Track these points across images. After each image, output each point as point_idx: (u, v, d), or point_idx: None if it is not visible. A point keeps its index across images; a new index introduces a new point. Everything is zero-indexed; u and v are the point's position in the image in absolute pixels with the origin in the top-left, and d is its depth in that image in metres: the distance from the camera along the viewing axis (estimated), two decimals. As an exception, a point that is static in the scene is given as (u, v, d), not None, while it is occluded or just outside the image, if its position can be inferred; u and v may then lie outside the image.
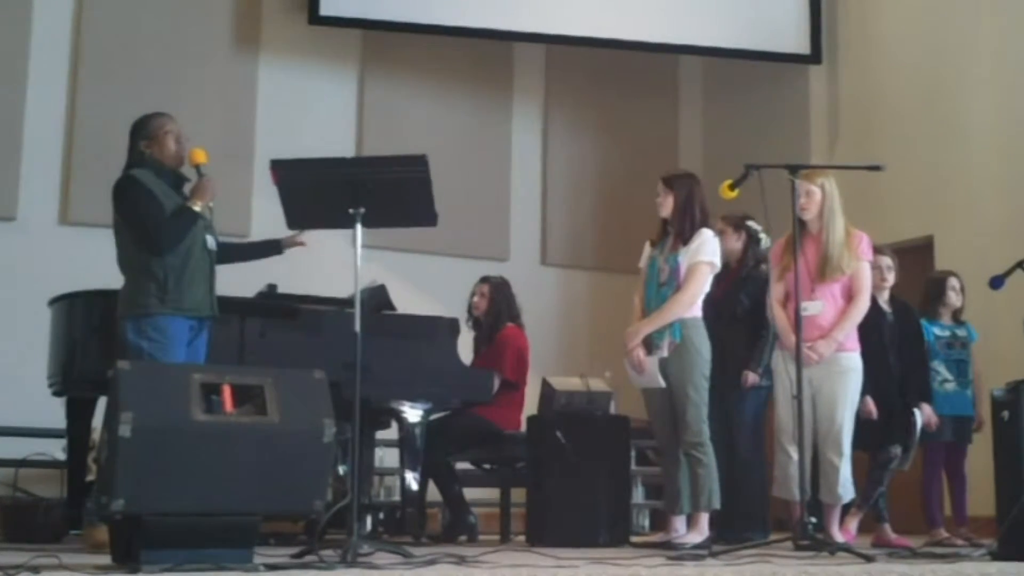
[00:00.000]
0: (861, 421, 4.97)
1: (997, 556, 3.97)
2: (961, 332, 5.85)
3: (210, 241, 4.47)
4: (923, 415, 5.43)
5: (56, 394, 5.25)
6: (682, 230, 4.92)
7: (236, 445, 3.20)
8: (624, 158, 8.88)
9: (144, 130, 4.50)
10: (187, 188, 4.53)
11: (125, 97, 6.89)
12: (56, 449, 6.02)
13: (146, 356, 4.22)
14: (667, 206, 4.96)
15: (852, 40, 8.49)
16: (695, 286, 4.85)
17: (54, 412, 5.41)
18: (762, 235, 5.55)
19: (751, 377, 5.48)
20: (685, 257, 4.87)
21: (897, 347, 5.40)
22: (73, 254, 6.98)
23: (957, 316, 5.89)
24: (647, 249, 5.07)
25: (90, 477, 5.24)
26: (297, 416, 3.29)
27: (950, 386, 5.76)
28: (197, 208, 4.40)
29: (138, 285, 4.33)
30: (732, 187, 4.53)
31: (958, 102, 7.61)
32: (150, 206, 4.34)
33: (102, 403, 4.32)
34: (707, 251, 4.88)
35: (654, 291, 4.91)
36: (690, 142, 9.25)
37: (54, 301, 5.24)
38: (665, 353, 4.83)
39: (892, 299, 5.56)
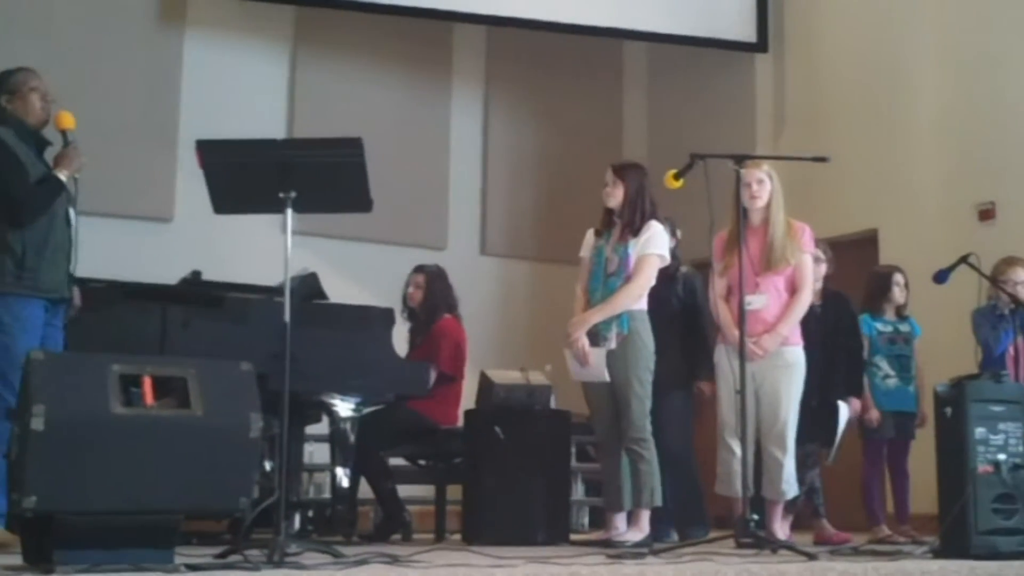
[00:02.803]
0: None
1: (939, 554, 3.96)
2: (904, 327, 5.85)
3: (72, 215, 4.25)
4: (851, 409, 5.37)
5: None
6: (632, 221, 4.87)
7: (157, 440, 3.08)
8: (567, 145, 8.80)
9: (6, 84, 4.26)
10: (49, 154, 4.29)
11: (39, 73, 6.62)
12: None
13: None
14: (616, 196, 4.90)
15: (798, 29, 8.49)
16: (644, 278, 4.79)
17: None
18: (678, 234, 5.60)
19: (709, 387, 5.43)
20: (635, 248, 4.81)
21: (822, 342, 5.30)
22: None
23: (900, 311, 5.88)
24: (590, 238, 5.00)
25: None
26: (222, 410, 3.17)
27: (892, 382, 5.75)
28: (63, 177, 4.18)
29: None
30: (677, 177, 4.50)
31: (904, 94, 7.63)
32: (14, 170, 4.13)
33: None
34: (657, 243, 4.84)
35: (600, 281, 4.84)
36: (634, 129, 9.20)
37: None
38: (613, 345, 4.75)
39: (825, 291, 5.52)
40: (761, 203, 4.83)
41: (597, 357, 4.74)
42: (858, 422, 5.67)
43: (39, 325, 4.14)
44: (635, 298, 4.77)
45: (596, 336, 4.76)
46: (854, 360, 5.55)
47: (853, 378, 5.52)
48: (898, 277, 5.86)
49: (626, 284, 4.77)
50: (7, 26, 7.19)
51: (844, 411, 5.28)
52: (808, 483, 5.31)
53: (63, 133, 4.25)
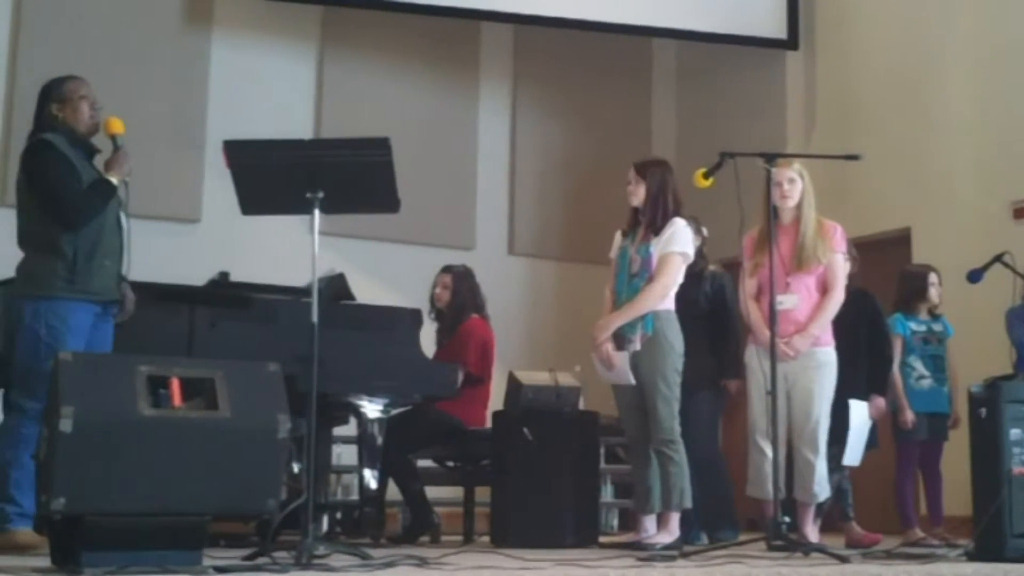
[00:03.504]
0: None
1: (973, 557, 3.93)
2: (937, 327, 5.78)
3: (123, 219, 4.29)
4: (873, 408, 5.28)
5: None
6: (654, 219, 4.79)
7: (185, 441, 3.07)
8: (595, 144, 8.76)
9: (57, 92, 4.28)
10: (98, 160, 4.31)
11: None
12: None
13: (42, 344, 4.04)
14: (639, 194, 4.84)
15: (830, 26, 8.40)
16: (667, 277, 4.71)
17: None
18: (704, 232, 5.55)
19: (735, 385, 5.39)
20: (657, 247, 4.74)
21: (842, 340, 5.19)
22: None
23: (933, 311, 5.81)
24: (618, 239, 4.94)
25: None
26: (250, 411, 3.16)
27: (926, 382, 5.69)
28: (115, 181, 4.21)
29: (43, 263, 4.13)
30: (706, 175, 4.46)
31: (937, 90, 7.54)
32: (66, 175, 4.15)
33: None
34: (679, 241, 4.75)
35: (625, 282, 4.78)
36: (663, 128, 9.14)
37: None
38: (638, 347, 4.69)
39: (849, 289, 5.41)
40: (792, 202, 4.78)
41: (622, 360, 4.68)
42: (892, 423, 5.60)
43: (86, 329, 4.16)
44: (658, 298, 4.69)
45: (621, 339, 4.70)
46: (879, 358, 5.46)
47: (877, 376, 5.43)
48: (933, 277, 5.79)
49: (649, 284, 4.69)
50: (34, 29, 7.23)
51: (857, 410, 5.14)
52: (835, 485, 5.24)
53: (112, 138, 4.28)
